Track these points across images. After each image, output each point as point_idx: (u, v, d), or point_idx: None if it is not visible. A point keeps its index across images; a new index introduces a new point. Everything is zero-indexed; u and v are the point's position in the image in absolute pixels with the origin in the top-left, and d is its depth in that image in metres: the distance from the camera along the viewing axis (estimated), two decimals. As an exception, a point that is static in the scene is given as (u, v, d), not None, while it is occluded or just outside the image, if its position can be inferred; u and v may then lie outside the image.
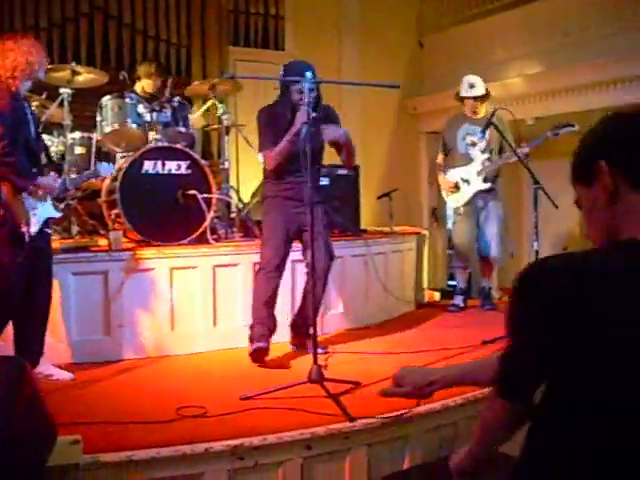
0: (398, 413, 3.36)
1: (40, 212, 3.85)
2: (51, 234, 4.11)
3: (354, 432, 3.26)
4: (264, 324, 4.54)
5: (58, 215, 4.07)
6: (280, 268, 4.58)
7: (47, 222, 3.96)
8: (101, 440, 3.02)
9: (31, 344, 4.00)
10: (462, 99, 6.27)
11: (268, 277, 4.53)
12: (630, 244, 1.44)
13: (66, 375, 4.10)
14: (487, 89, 6.26)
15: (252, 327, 4.57)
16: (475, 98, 6.19)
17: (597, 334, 1.35)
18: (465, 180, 6.15)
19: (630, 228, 1.46)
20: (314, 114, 4.18)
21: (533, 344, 1.45)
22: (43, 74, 3.96)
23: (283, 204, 4.57)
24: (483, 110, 6.21)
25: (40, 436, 2.58)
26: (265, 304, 4.54)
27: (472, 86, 6.19)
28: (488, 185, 6.11)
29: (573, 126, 5.52)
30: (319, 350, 4.32)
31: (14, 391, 2.36)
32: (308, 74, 3.98)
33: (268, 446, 3.08)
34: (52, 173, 4.11)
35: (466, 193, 6.17)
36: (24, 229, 3.72)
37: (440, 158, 6.46)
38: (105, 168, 4.40)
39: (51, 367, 4.09)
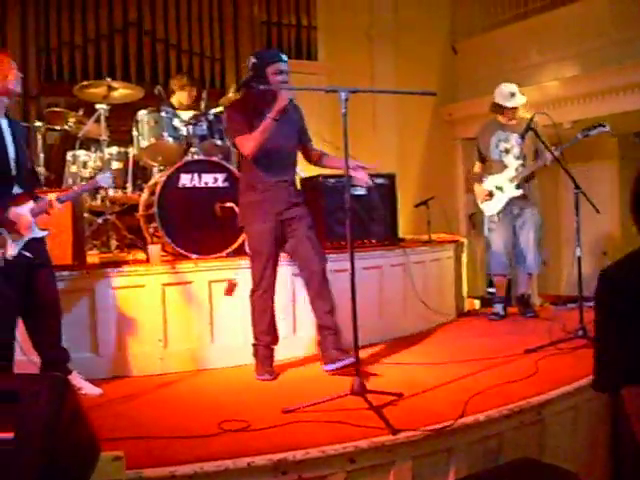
0: (442, 425, 3.31)
1: (21, 233, 3.72)
2: (37, 254, 3.83)
3: (398, 445, 3.21)
4: (267, 346, 4.49)
5: (42, 234, 3.86)
6: (273, 285, 4.46)
7: (34, 241, 3.82)
8: (144, 455, 3.02)
9: (54, 356, 3.98)
10: (502, 109, 6.13)
11: (264, 298, 4.42)
12: None
13: (95, 390, 4.09)
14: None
15: (256, 350, 4.51)
16: (513, 109, 6.09)
17: None
18: (499, 187, 6.08)
19: None
20: (291, 97, 4.21)
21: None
22: (14, 87, 3.74)
23: (265, 211, 4.39)
24: (518, 116, 6.13)
25: (83, 452, 2.57)
26: (268, 325, 4.47)
27: (513, 95, 6.08)
28: (521, 192, 6.03)
29: (604, 126, 5.44)
30: (346, 361, 4.32)
31: (57, 407, 2.36)
32: (283, 56, 4.29)
33: (311, 460, 3.05)
34: (31, 202, 3.82)
35: (499, 201, 6.09)
36: None
37: (477, 167, 6.37)
38: (103, 178, 4.30)
39: (82, 381, 4.08)
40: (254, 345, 4.51)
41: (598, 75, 8.37)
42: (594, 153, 9.36)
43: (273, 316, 4.49)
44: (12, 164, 3.73)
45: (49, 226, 3.95)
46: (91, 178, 5.74)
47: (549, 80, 9.01)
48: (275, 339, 4.52)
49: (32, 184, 3.99)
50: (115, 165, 5.93)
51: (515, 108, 6.09)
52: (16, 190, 3.77)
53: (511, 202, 6.08)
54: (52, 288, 3.98)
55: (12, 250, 3.69)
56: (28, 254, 3.75)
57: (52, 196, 3.92)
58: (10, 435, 2.29)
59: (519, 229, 6.16)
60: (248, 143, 4.26)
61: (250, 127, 4.25)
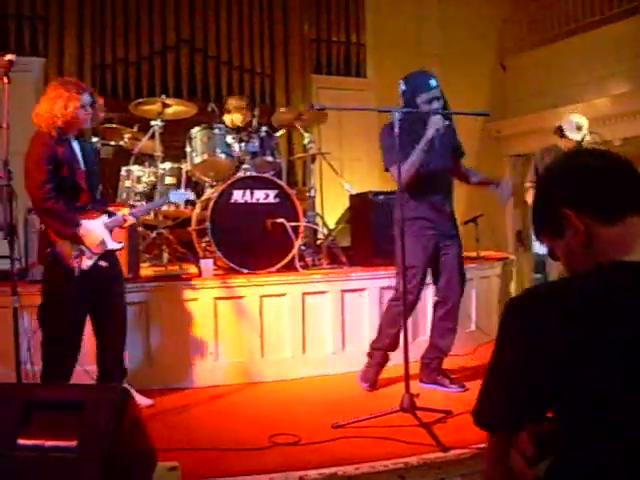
0: (491, 443, 3.31)
1: (97, 246, 3.90)
2: (111, 267, 4.01)
3: (447, 462, 3.23)
4: (385, 354, 4.50)
5: (118, 247, 4.05)
6: (415, 303, 4.45)
7: (111, 252, 4.02)
8: (198, 466, 3.09)
9: (110, 371, 4.11)
10: (564, 136, 6.10)
11: (400, 312, 4.18)
12: (611, 265, 1.41)
13: (146, 401, 4.18)
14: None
15: (372, 352, 4.53)
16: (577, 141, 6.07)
17: (581, 357, 1.33)
18: None
19: (614, 258, 1.44)
20: (447, 122, 4.21)
21: (520, 370, 1.40)
22: (77, 117, 3.87)
23: (422, 228, 4.33)
24: None
25: (141, 461, 2.65)
26: (396, 334, 4.42)
27: (580, 128, 6.05)
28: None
29: None
30: (457, 388, 4.44)
31: (119, 417, 2.44)
32: (432, 82, 4.27)
33: (362, 475, 3.08)
34: (104, 216, 4.02)
35: None
36: (74, 264, 3.78)
37: (530, 186, 6.31)
38: (176, 195, 4.47)
39: (133, 392, 4.15)
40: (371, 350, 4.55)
41: (648, 92, 8.29)
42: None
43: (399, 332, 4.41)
44: (83, 181, 3.93)
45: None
46: (151, 191, 5.89)
47: (598, 97, 8.95)
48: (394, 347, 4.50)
49: (103, 200, 4.19)
50: (168, 180, 6.04)
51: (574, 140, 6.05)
52: (89, 207, 3.96)
53: None
54: (122, 304, 4.13)
55: (88, 261, 3.85)
56: (104, 263, 3.91)
57: (125, 211, 4.14)
58: (73, 443, 2.38)
59: None
60: (402, 174, 4.04)
61: (401, 153, 3.99)
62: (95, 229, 3.91)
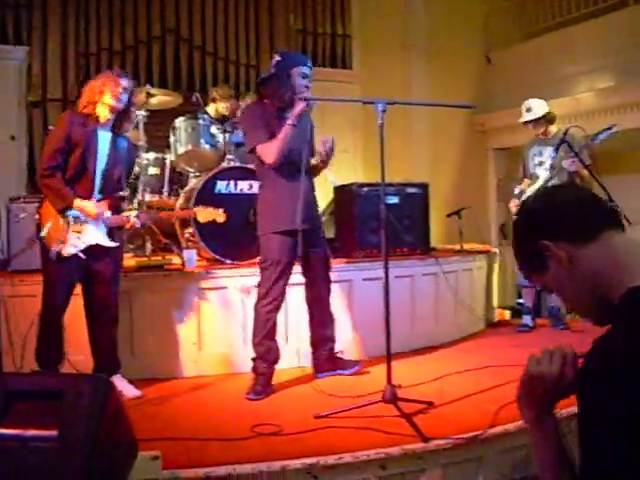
0: (472, 434, 3.34)
1: (85, 236, 3.97)
2: (109, 263, 4.12)
3: (428, 453, 3.24)
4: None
5: (110, 244, 4.07)
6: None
7: (102, 250, 4.06)
8: (180, 456, 3.09)
9: (104, 363, 4.16)
10: (526, 124, 6.17)
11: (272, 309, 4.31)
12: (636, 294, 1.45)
13: (135, 392, 4.20)
14: (548, 111, 6.12)
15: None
16: (530, 123, 6.09)
17: None
18: None
19: (610, 278, 1.50)
20: (312, 104, 4.16)
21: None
22: (113, 101, 4.02)
23: (285, 219, 4.21)
24: (554, 129, 6.10)
25: (123, 451, 2.65)
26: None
27: (529, 110, 6.09)
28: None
29: (611, 129, 5.42)
30: (353, 369, 4.57)
31: (100, 407, 2.43)
32: (309, 61, 4.28)
33: (343, 465, 3.09)
34: (109, 212, 4.10)
35: None
36: (55, 248, 3.88)
37: (525, 183, 6.31)
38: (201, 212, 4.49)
39: (124, 382, 4.19)
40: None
41: (633, 86, 8.33)
42: (626, 165, 9.31)
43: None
44: (98, 172, 4.03)
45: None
46: (135, 181, 5.88)
47: (583, 91, 8.99)
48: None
49: (114, 195, 4.18)
50: (152, 171, 6.02)
51: (531, 123, 6.08)
52: (96, 196, 4.05)
53: None
54: (109, 299, 4.17)
55: (69, 248, 3.92)
56: (83, 256, 3.96)
57: (134, 213, 4.18)
58: (54, 432, 2.37)
59: None
60: (270, 152, 4.14)
61: (269, 133, 4.16)
62: (94, 204, 3.99)
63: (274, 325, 4.33)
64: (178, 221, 5.61)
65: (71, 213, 3.94)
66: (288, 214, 4.16)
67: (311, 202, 4.43)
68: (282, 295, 4.30)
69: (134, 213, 4.19)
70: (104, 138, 4.07)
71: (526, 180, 6.32)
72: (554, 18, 9.88)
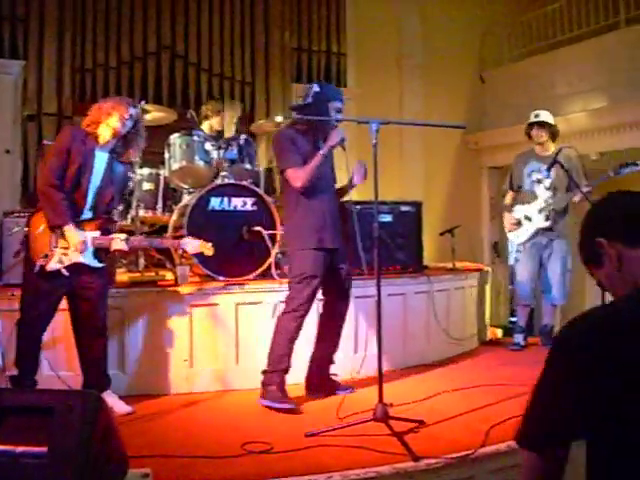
0: (463, 454, 3.34)
1: (71, 254, 3.96)
2: (95, 277, 4.10)
3: (419, 472, 3.24)
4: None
5: (95, 264, 4.07)
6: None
7: (88, 269, 4.06)
8: (170, 474, 3.08)
9: (93, 379, 4.13)
10: (530, 129, 6.20)
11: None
12: None
13: (125, 408, 4.18)
14: (555, 125, 6.20)
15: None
16: (539, 125, 6.13)
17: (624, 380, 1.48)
18: (527, 217, 6.11)
19: None
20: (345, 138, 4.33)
21: (569, 398, 1.56)
22: (118, 125, 4.08)
23: (318, 236, 4.36)
24: (552, 148, 6.14)
25: (113, 468, 2.64)
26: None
27: (537, 115, 6.16)
28: (548, 223, 6.04)
29: (637, 165, 5.45)
30: (345, 391, 4.56)
31: (91, 423, 2.43)
32: (343, 96, 4.49)
33: (334, 484, 3.09)
34: (98, 232, 4.09)
35: (527, 230, 6.13)
36: (40, 261, 3.89)
37: (509, 196, 6.37)
38: (189, 243, 4.45)
39: (114, 399, 4.17)
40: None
41: (626, 107, 8.40)
42: (618, 186, 9.35)
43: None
44: (91, 191, 4.05)
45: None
46: (129, 197, 5.90)
47: (576, 111, 9.05)
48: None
49: (105, 216, 4.19)
50: (146, 186, 6.02)
51: (538, 126, 6.11)
52: (86, 214, 4.06)
53: (539, 233, 6.10)
54: (102, 315, 4.16)
55: (53, 264, 3.92)
56: (66, 273, 3.94)
57: (122, 236, 4.14)
58: (43, 449, 2.37)
59: (546, 260, 6.17)
60: (300, 177, 4.29)
61: (302, 158, 4.32)
62: (81, 236, 3.97)
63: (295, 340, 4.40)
64: (172, 238, 5.60)
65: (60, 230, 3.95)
66: (321, 232, 4.35)
67: (337, 221, 4.55)
68: (309, 310, 4.39)
69: (123, 236, 4.14)
70: (101, 158, 4.10)
71: (511, 192, 6.36)
72: (547, 38, 9.96)
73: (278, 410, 4.20)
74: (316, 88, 4.42)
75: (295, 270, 4.38)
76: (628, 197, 1.79)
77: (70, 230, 3.92)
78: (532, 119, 6.20)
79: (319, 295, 4.57)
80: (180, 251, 5.40)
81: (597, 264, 1.74)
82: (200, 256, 5.09)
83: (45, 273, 3.91)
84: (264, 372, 4.36)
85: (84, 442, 2.39)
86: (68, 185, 3.96)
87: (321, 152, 4.29)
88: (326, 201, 4.41)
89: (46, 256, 3.91)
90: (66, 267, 3.95)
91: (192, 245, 4.44)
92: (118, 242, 4.09)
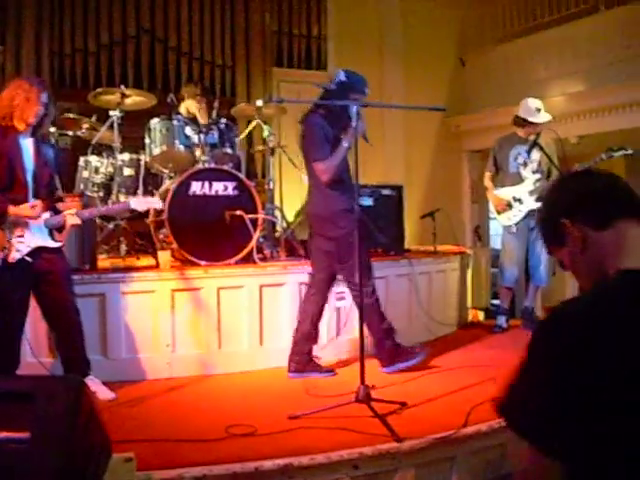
0: (445, 434, 3.37)
1: (28, 240, 3.93)
2: (54, 263, 4.05)
3: (401, 453, 3.28)
4: None
5: (54, 245, 4.03)
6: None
7: (47, 250, 4.01)
8: (154, 458, 3.09)
9: (72, 365, 4.11)
10: (525, 123, 6.15)
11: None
12: (622, 276, 1.56)
13: (108, 394, 4.17)
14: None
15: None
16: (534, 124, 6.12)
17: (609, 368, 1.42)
18: (517, 199, 6.11)
19: (611, 261, 1.61)
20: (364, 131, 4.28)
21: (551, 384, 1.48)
22: (32, 120, 3.96)
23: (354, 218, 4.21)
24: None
25: (97, 453, 2.64)
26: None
27: (539, 110, 6.11)
28: (540, 205, 6.05)
29: (627, 149, 5.51)
30: (326, 374, 4.61)
31: (74, 409, 2.42)
32: (367, 90, 4.44)
33: (317, 466, 3.11)
34: (47, 213, 4.03)
35: (519, 212, 6.13)
36: (0, 255, 3.84)
37: (488, 176, 6.39)
38: (139, 202, 4.38)
39: (98, 384, 4.16)
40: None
41: (605, 91, 8.45)
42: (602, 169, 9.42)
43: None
44: (29, 176, 3.97)
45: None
46: (109, 182, 5.87)
47: (556, 95, 9.09)
48: None
49: (49, 197, 4.12)
50: (127, 172, 6.01)
51: (538, 124, 6.11)
52: (32, 201, 3.97)
53: (528, 215, 6.12)
54: (70, 299, 4.11)
55: (14, 254, 3.87)
56: (29, 259, 3.91)
57: (72, 211, 4.08)
58: (26, 435, 2.36)
59: (532, 242, 6.19)
60: (329, 171, 4.36)
61: (329, 147, 4.35)
62: (24, 207, 3.91)
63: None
64: (153, 223, 5.59)
65: (9, 219, 3.89)
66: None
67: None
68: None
69: (73, 211, 4.09)
70: (26, 145, 4.01)
71: (488, 174, 6.36)
72: (527, 22, 9.98)
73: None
74: (342, 77, 4.42)
75: (348, 254, 4.35)
76: (595, 176, 1.77)
77: (14, 208, 3.87)
78: (536, 118, 6.11)
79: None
80: (162, 235, 5.40)
81: (559, 244, 1.72)
82: (182, 241, 5.11)
83: (9, 265, 3.86)
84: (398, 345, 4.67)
85: (67, 427, 2.38)
86: (5, 181, 3.89)
87: (345, 144, 4.29)
88: (348, 188, 4.40)
89: (6, 248, 3.86)
90: (27, 254, 3.91)
91: (139, 203, 4.38)
92: (70, 217, 4.04)
